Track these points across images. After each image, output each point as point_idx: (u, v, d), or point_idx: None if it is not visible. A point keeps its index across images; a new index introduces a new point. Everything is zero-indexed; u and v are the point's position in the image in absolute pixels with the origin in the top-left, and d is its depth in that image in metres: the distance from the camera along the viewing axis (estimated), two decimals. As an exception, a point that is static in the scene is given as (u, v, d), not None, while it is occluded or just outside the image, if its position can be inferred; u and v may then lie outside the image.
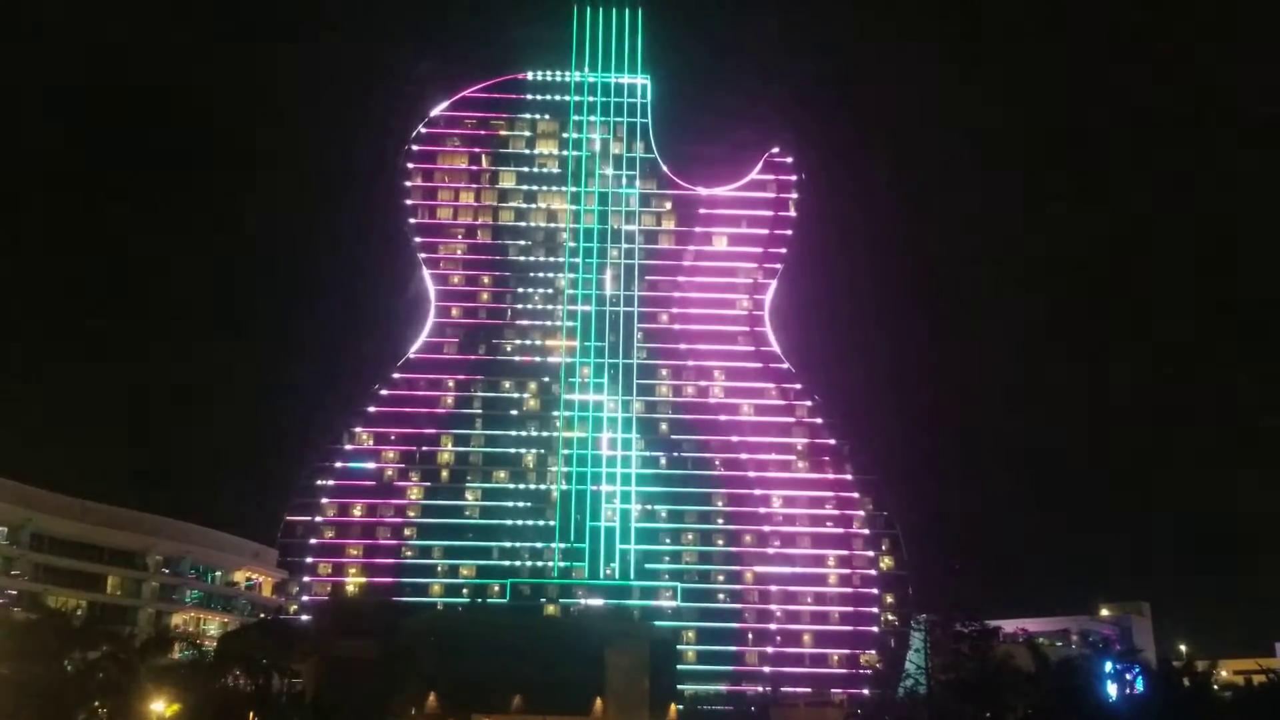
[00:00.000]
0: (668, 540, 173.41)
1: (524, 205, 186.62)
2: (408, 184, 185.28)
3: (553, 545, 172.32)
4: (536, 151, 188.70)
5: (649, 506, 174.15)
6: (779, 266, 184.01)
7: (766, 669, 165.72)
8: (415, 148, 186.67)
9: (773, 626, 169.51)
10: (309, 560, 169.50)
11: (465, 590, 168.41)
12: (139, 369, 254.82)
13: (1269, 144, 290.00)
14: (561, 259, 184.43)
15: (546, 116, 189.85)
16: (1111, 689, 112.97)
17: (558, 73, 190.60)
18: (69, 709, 79.84)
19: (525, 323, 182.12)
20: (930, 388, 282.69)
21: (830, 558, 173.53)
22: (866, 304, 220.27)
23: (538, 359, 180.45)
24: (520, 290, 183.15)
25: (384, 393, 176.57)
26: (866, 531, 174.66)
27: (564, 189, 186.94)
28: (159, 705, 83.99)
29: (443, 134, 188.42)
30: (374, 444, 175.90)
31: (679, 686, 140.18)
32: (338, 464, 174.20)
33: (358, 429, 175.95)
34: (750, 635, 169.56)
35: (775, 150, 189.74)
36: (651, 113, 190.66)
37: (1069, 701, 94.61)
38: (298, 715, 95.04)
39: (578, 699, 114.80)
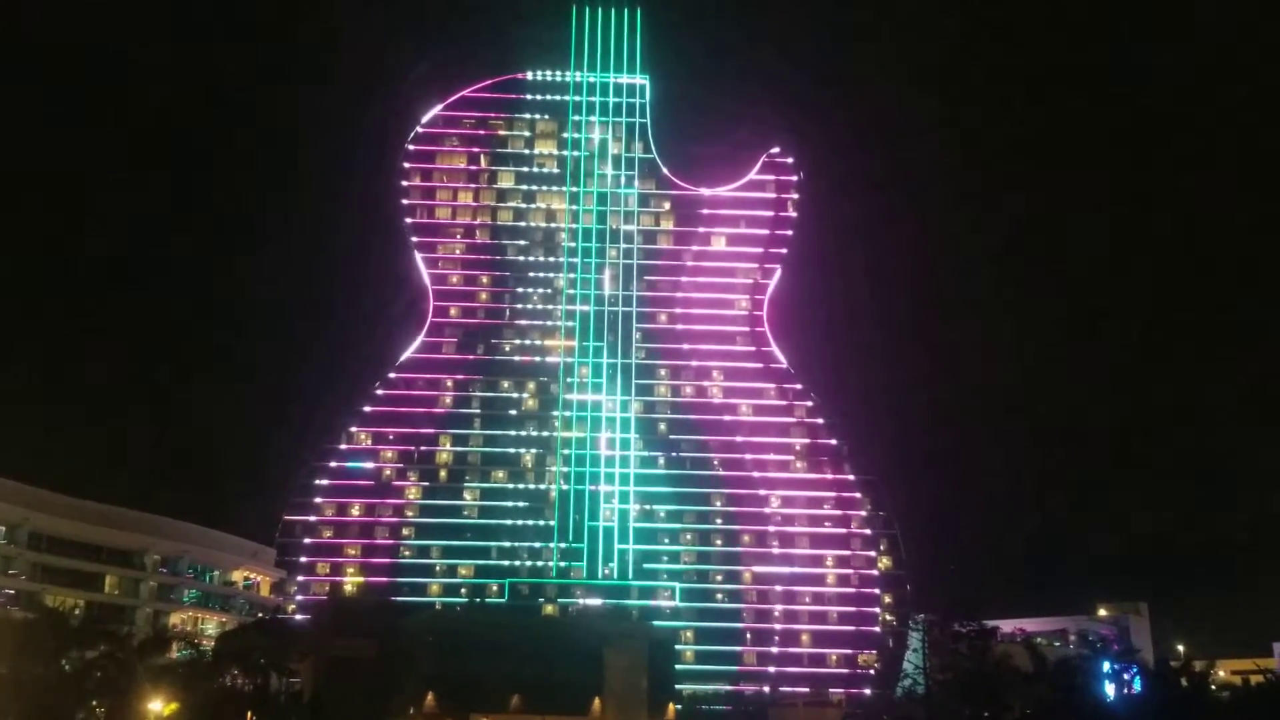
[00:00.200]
0: (666, 540, 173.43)
1: (523, 205, 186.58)
2: (406, 183, 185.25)
3: (551, 545, 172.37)
4: (535, 151, 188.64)
5: (648, 506, 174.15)
6: (778, 266, 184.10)
7: (765, 669, 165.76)
8: (414, 147, 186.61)
9: (771, 626, 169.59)
10: (307, 560, 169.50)
11: (464, 590, 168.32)
12: (139, 368, 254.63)
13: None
14: (560, 259, 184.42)
15: (546, 116, 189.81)
16: (1109, 689, 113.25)
17: (557, 73, 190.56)
18: (67, 708, 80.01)
19: (524, 323, 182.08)
20: (930, 388, 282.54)
21: (829, 558, 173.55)
22: (866, 304, 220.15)
23: (536, 359, 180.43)
24: (519, 290, 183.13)
25: (382, 392, 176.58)
26: (865, 531, 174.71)
27: (563, 189, 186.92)
28: (157, 704, 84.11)
29: (442, 133, 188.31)
30: (372, 444, 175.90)
31: (677, 686, 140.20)
32: (336, 463, 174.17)
33: (356, 428, 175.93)
34: (749, 635, 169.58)
35: (774, 150, 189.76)
36: (651, 113, 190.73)
37: (1067, 701, 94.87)
38: (295, 715, 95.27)
39: (576, 699, 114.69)
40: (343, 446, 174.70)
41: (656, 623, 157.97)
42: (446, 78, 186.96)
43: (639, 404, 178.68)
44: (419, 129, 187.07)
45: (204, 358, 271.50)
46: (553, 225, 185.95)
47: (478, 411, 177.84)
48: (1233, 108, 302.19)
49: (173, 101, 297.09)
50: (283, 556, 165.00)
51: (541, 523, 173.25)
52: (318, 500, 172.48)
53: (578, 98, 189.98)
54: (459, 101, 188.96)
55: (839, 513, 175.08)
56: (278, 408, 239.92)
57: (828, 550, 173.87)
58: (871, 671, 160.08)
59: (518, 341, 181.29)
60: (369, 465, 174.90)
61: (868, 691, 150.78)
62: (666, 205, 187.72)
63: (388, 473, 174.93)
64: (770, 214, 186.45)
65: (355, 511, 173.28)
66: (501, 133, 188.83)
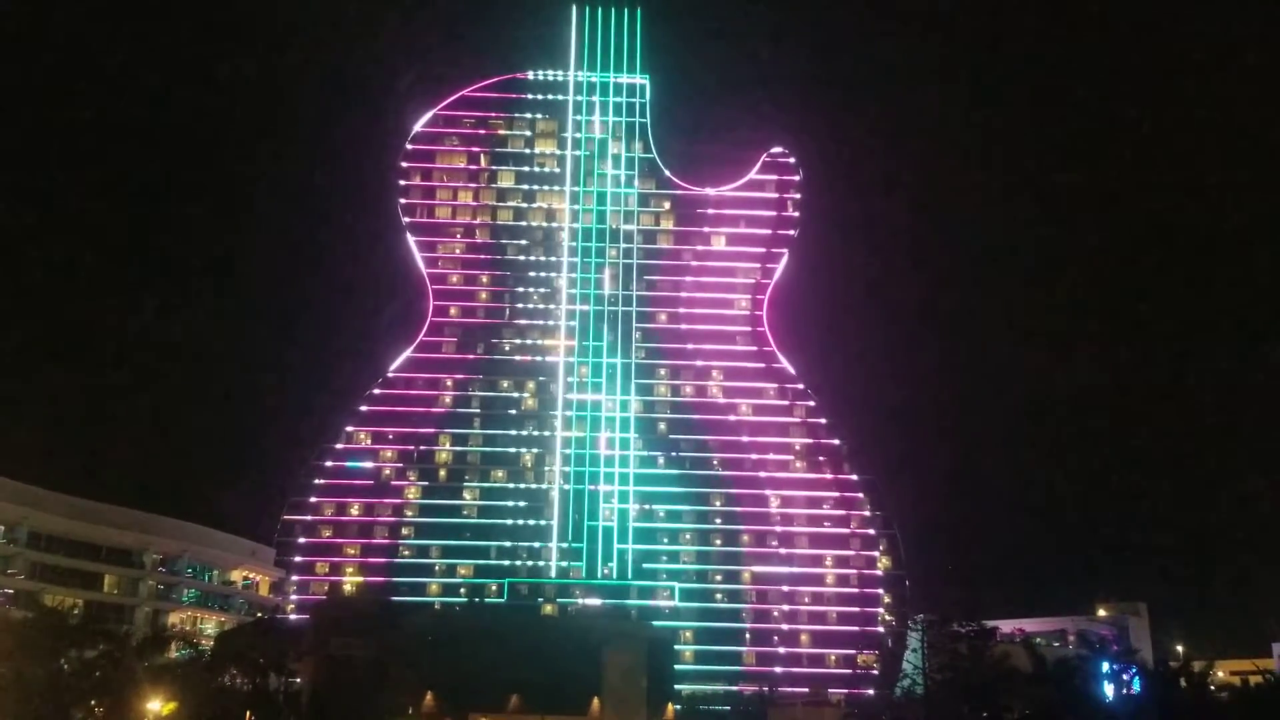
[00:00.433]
0: (666, 540, 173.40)
1: (523, 205, 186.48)
2: (406, 183, 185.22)
3: (551, 545, 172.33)
4: (536, 151, 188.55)
5: (647, 506, 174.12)
6: (778, 266, 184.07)
7: (764, 669, 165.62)
8: (414, 147, 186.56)
9: (771, 626, 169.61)
10: (306, 559, 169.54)
11: (463, 590, 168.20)
12: (138, 368, 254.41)
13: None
14: (560, 258, 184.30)
15: (546, 116, 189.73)
16: (1108, 689, 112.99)
17: (557, 72, 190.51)
18: (66, 708, 79.91)
19: (524, 322, 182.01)
20: (930, 388, 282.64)
21: (828, 558, 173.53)
22: (866, 303, 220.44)
23: (536, 358, 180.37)
24: (519, 290, 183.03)
25: (381, 392, 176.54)
26: (865, 532, 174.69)
27: (563, 188, 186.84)
28: (155, 704, 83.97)
29: (442, 133, 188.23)
30: (372, 443, 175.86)
31: (676, 686, 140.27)
32: (335, 463, 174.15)
33: (355, 428, 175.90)
34: (748, 635, 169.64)
35: (775, 149, 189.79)
36: (651, 112, 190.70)
37: (1066, 702, 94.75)
38: (294, 714, 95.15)
39: (575, 698, 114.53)
40: (342, 446, 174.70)
41: (656, 622, 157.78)
42: (446, 77, 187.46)
43: (639, 404, 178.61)
44: (419, 128, 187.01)
45: (204, 357, 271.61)
46: (553, 225, 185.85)
47: (477, 411, 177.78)
48: (1238, 105, 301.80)
49: (172, 100, 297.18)
50: (281, 556, 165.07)
51: (541, 522, 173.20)
52: (316, 500, 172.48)
53: (578, 97, 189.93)
54: (459, 101, 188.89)
55: (839, 513, 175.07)
56: (277, 407, 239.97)
57: (828, 550, 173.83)
58: (871, 672, 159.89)
59: (517, 341, 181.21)
60: (368, 465, 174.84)
61: (868, 692, 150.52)
62: (667, 205, 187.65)
63: (387, 472, 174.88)
64: (771, 213, 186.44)
65: (354, 511, 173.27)
66: (501, 132, 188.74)
